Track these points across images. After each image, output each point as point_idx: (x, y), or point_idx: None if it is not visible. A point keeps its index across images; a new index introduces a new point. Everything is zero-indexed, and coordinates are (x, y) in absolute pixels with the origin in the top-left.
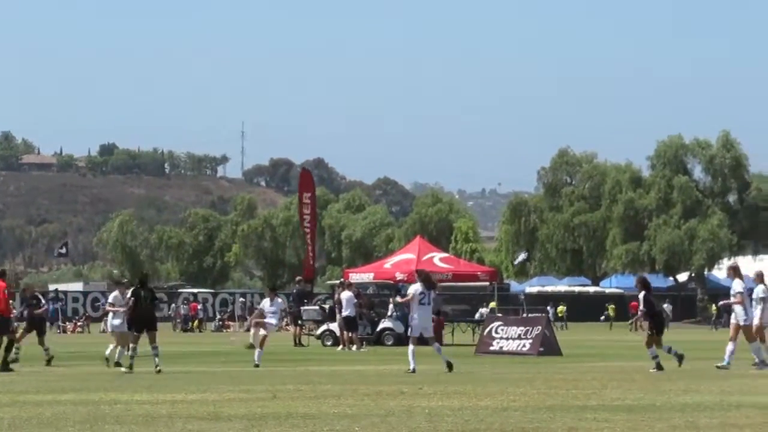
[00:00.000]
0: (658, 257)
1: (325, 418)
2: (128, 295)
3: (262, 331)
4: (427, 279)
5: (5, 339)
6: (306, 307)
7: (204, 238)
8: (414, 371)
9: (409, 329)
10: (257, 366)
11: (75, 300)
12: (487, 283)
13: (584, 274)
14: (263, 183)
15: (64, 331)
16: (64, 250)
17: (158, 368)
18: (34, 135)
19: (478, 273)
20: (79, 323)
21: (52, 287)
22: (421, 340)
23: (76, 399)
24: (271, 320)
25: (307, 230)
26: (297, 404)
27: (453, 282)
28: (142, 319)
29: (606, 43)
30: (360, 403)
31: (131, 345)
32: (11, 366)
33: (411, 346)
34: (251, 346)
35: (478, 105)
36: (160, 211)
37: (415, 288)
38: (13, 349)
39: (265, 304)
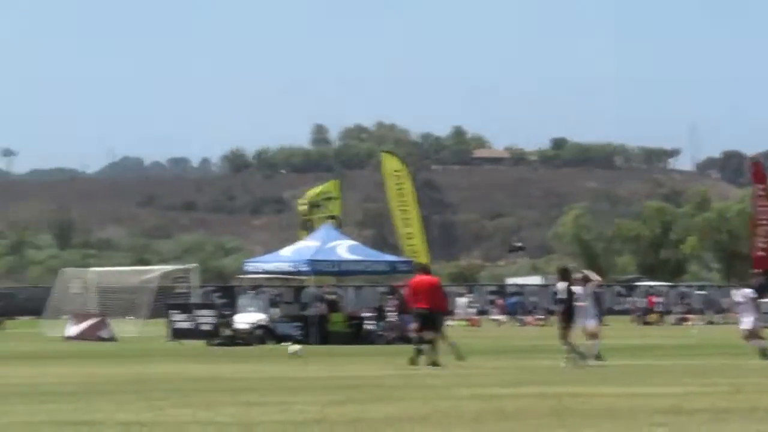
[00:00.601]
0: None
1: None
2: (563, 289)
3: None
4: None
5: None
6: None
7: (660, 231)
8: None
9: None
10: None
11: (533, 294)
12: None
13: None
14: (715, 175)
15: (524, 324)
16: (519, 244)
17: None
18: (486, 129)
19: None
20: (539, 317)
21: (510, 281)
22: None
23: (537, 392)
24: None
25: (763, 222)
26: (762, 398)
27: None
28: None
29: None
30: None
31: (567, 340)
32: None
33: None
34: None
35: None
36: (613, 204)
37: None
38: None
39: (738, 294)
